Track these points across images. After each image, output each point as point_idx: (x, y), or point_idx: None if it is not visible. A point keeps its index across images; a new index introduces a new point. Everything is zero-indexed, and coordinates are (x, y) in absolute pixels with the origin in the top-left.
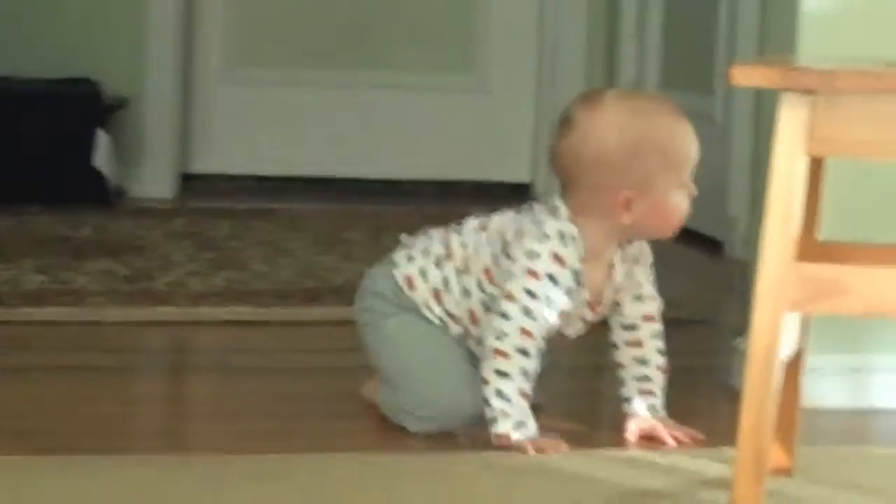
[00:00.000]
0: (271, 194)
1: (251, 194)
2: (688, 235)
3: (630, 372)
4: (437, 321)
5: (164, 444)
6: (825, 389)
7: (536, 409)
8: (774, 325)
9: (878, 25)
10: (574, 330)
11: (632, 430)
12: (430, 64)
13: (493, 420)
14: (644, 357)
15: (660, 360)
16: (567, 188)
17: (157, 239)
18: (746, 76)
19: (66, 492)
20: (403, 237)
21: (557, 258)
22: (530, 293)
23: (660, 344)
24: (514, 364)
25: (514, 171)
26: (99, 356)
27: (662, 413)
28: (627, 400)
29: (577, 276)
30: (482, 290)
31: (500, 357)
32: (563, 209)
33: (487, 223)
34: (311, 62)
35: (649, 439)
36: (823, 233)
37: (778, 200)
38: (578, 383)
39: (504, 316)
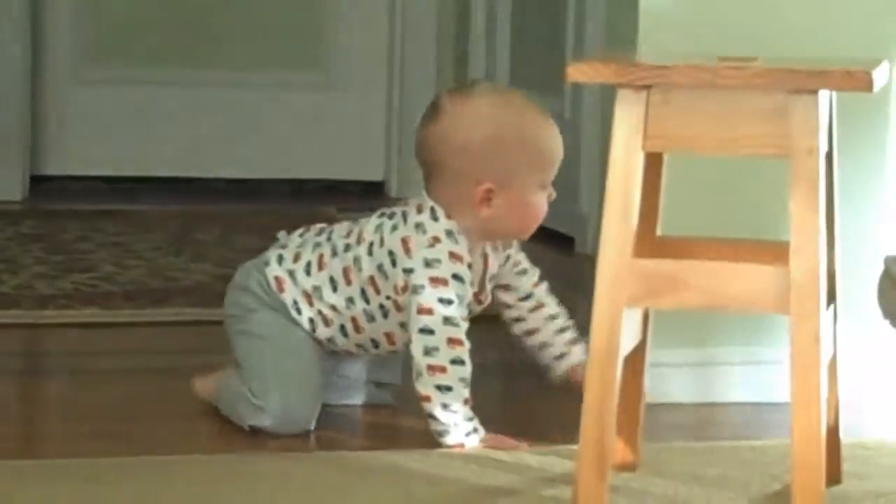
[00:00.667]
0: (122, 196)
1: (101, 196)
2: (540, 232)
3: (547, 331)
4: (305, 322)
5: (9, 448)
6: (669, 384)
7: (385, 386)
8: (614, 321)
9: (717, 20)
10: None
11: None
12: (280, 61)
13: (444, 433)
14: (552, 313)
15: (564, 315)
16: (430, 178)
17: (5, 242)
18: (582, 73)
19: None
20: (281, 234)
21: (455, 256)
22: (444, 301)
23: (556, 301)
24: (452, 376)
25: (366, 170)
26: None
27: None
28: (561, 356)
29: (472, 268)
30: (366, 300)
31: (437, 373)
32: (440, 210)
33: (360, 232)
34: (160, 61)
35: None
36: (663, 228)
37: (615, 197)
38: None
39: (427, 331)
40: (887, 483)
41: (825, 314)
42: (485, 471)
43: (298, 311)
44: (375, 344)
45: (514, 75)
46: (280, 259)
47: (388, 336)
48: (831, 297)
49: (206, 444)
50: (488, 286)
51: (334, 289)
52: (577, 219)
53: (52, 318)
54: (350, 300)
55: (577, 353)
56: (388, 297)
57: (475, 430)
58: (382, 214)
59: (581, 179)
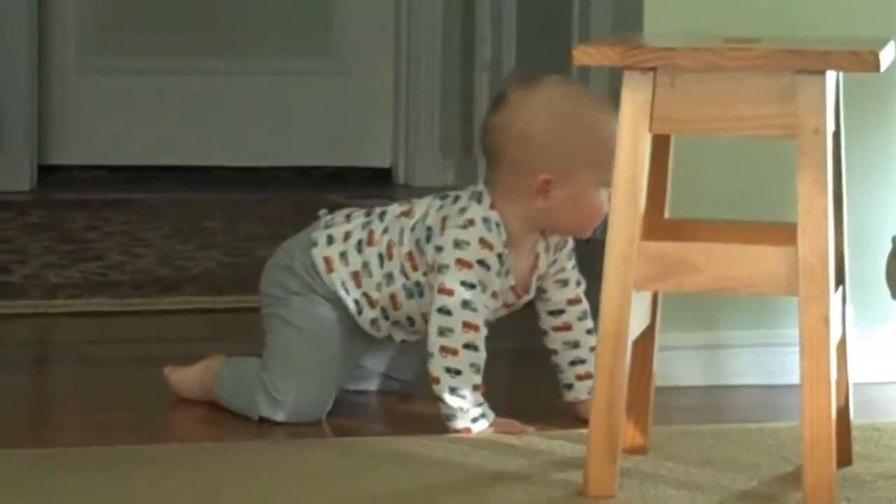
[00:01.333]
0: (129, 185)
1: (109, 185)
2: None
3: (564, 357)
4: (351, 304)
5: (22, 438)
6: (680, 367)
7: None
8: (623, 304)
9: (723, 1)
10: (495, 315)
11: (584, 414)
12: (286, 48)
13: (451, 416)
14: (575, 340)
15: (591, 341)
16: (491, 166)
17: (14, 231)
18: (588, 56)
19: None
20: (322, 213)
21: (485, 243)
22: (466, 284)
23: (589, 324)
24: (463, 360)
25: (373, 157)
26: None
27: None
28: (568, 387)
29: (502, 259)
30: (405, 275)
31: (448, 355)
32: (486, 197)
33: (411, 209)
34: (166, 50)
35: None
36: (671, 210)
37: (623, 179)
38: None
39: (444, 311)
40: None
41: (834, 295)
42: (494, 456)
43: (347, 291)
44: (412, 321)
45: (521, 58)
46: (330, 239)
47: (425, 316)
48: (840, 279)
49: (217, 431)
50: (534, 283)
51: (381, 264)
52: None
53: (62, 307)
54: (389, 276)
55: (582, 389)
56: (424, 274)
57: (483, 416)
58: (437, 197)
59: None
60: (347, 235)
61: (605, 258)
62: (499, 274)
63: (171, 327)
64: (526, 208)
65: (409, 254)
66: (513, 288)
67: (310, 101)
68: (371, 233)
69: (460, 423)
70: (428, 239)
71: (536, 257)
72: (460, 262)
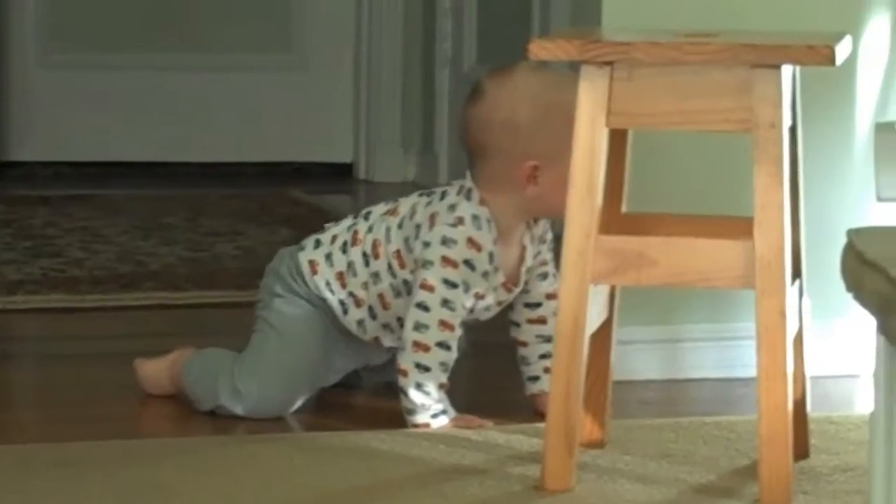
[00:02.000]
0: (90, 181)
1: (69, 181)
2: None
3: (534, 350)
4: (337, 304)
5: None
6: (638, 361)
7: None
8: (580, 298)
9: None
10: (489, 314)
11: (542, 408)
12: (247, 43)
13: (412, 411)
14: (547, 334)
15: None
16: (475, 160)
17: None
18: (545, 50)
19: None
20: (327, 226)
21: (473, 243)
22: (448, 282)
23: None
24: (434, 357)
25: (335, 152)
26: None
27: None
28: (533, 379)
29: (492, 258)
30: (393, 274)
31: (420, 350)
32: (476, 192)
33: (396, 207)
34: (127, 45)
35: None
36: (628, 205)
37: (580, 174)
38: None
39: (423, 307)
40: (854, 457)
41: (790, 289)
42: (453, 450)
43: (332, 291)
44: (401, 324)
45: (482, 53)
46: (317, 243)
47: None
48: (797, 272)
49: (175, 427)
50: (523, 276)
51: (366, 263)
52: None
53: (21, 303)
54: (376, 275)
55: (548, 381)
56: (412, 272)
57: (444, 412)
58: (422, 194)
59: None
60: (334, 238)
61: (563, 252)
62: (486, 274)
63: (130, 323)
64: (516, 197)
65: (397, 252)
66: (503, 284)
67: (271, 97)
68: (355, 233)
69: (420, 419)
70: (417, 236)
71: (524, 249)
72: (446, 260)
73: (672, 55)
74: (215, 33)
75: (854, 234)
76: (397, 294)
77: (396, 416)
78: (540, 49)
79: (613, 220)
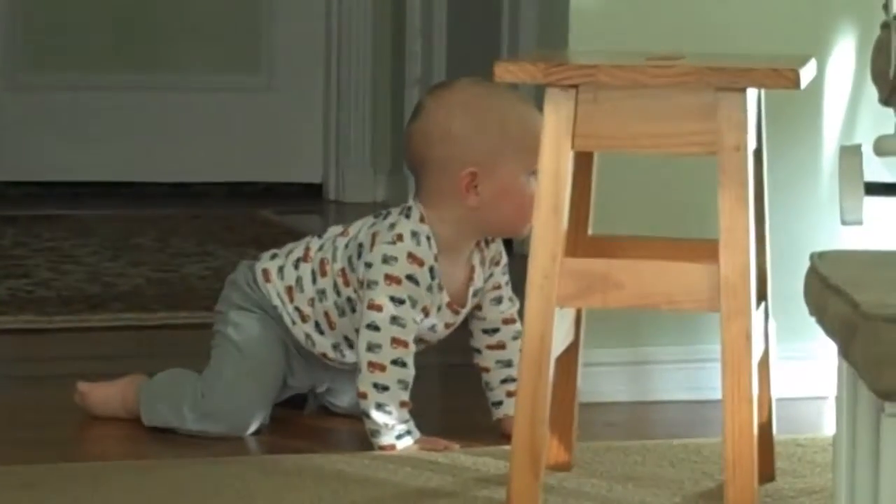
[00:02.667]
0: (58, 201)
1: (39, 202)
2: None
3: (495, 375)
4: (287, 317)
5: None
6: (605, 384)
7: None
8: (546, 321)
9: (648, 19)
10: (436, 335)
11: (509, 431)
12: (215, 64)
13: (376, 433)
14: (507, 359)
15: (517, 356)
16: (418, 176)
17: None
18: (510, 73)
19: None
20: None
21: (413, 258)
22: (395, 300)
23: (521, 345)
24: (391, 376)
25: (304, 172)
26: None
27: None
28: (497, 404)
29: (433, 273)
30: (337, 292)
31: (376, 370)
32: (416, 210)
33: (347, 228)
34: (94, 66)
35: None
36: (594, 227)
37: (546, 196)
38: None
39: (373, 327)
40: (820, 480)
41: (756, 312)
42: (419, 472)
43: (283, 302)
44: (350, 343)
45: (451, 74)
46: (273, 255)
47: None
48: (762, 295)
49: (139, 449)
50: (470, 299)
51: (313, 280)
52: None
53: None
54: (322, 293)
55: (511, 406)
56: (355, 291)
57: (409, 433)
58: (372, 215)
59: None
60: (289, 253)
61: (528, 275)
62: (430, 289)
63: (98, 345)
64: (459, 211)
65: (342, 270)
66: (449, 304)
67: (240, 117)
68: (307, 250)
69: (385, 440)
70: (359, 255)
71: (472, 269)
72: (389, 278)
73: (637, 78)
74: (184, 54)
75: (817, 258)
76: (342, 313)
77: (362, 438)
78: (504, 72)
79: (580, 243)
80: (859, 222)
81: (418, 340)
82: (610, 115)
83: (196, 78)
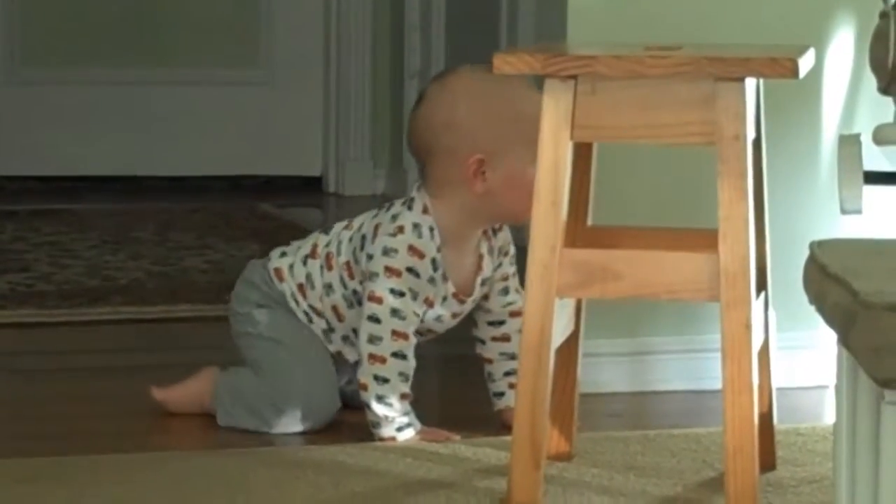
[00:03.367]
0: (57, 195)
1: (38, 196)
2: None
3: (498, 367)
4: (302, 315)
5: None
6: (605, 374)
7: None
8: (546, 311)
9: (646, 10)
10: (443, 325)
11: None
12: (215, 58)
13: (377, 424)
14: (511, 352)
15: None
16: (423, 164)
17: None
18: (509, 64)
19: None
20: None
21: (414, 250)
22: (395, 292)
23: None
24: (391, 368)
25: (303, 165)
26: None
27: None
28: (499, 395)
29: (435, 264)
30: (344, 285)
31: (377, 363)
32: (419, 201)
33: (351, 222)
34: (93, 60)
35: None
36: (593, 218)
37: (545, 187)
38: None
39: (374, 319)
40: (821, 469)
41: (756, 301)
42: (420, 464)
43: (296, 302)
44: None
45: (450, 67)
46: (283, 253)
47: None
48: (762, 285)
49: (140, 442)
50: (478, 288)
51: (321, 275)
52: None
53: None
54: (329, 287)
55: (513, 397)
56: (360, 283)
57: (409, 425)
58: (379, 207)
59: None
60: (298, 249)
61: (528, 266)
62: (432, 281)
63: (98, 338)
64: (465, 198)
65: (347, 263)
66: (455, 294)
67: (240, 111)
68: (314, 246)
69: (385, 432)
70: (363, 247)
71: (480, 258)
72: (389, 270)
73: (635, 68)
74: (184, 48)
75: (817, 247)
76: (350, 305)
77: (363, 430)
78: (503, 63)
79: (579, 234)
80: (858, 211)
81: (426, 331)
82: (609, 106)
83: (196, 72)
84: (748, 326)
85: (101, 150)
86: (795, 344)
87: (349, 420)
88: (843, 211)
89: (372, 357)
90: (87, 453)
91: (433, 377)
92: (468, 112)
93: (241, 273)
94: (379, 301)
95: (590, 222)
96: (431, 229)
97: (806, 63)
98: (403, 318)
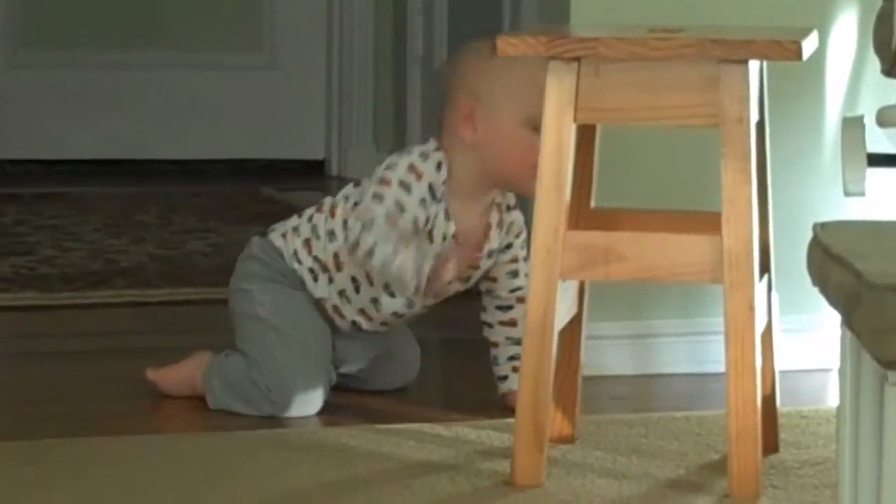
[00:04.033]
0: (60, 179)
1: (41, 179)
2: None
3: (504, 351)
4: (307, 274)
5: None
6: (609, 357)
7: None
8: (549, 293)
9: None
10: (449, 291)
11: (513, 404)
12: (218, 41)
13: (402, 283)
14: (518, 337)
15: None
16: (441, 116)
17: None
18: (512, 46)
19: None
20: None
21: (413, 169)
22: (377, 196)
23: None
24: (389, 246)
25: (306, 149)
26: None
27: None
28: (503, 378)
29: (433, 190)
30: (347, 228)
31: (386, 265)
32: (433, 142)
33: (360, 181)
34: (97, 43)
35: None
36: (597, 200)
37: (548, 169)
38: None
39: (362, 226)
40: (824, 451)
41: (759, 284)
42: (423, 446)
43: (299, 261)
44: (356, 287)
45: (452, 51)
46: (285, 223)
47: (368, 276)
48: (765, 267)
49: (144, 424)
50: (485, 258)
51: (324, 224)
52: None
53: None
54: (331, 233)
55: (516, 380)
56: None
57: (421, 268)
58: None
59: None
60: (301, 213)
61: (531, 247)
62: (423, 203)
63: (101, 321)
64: (466, 154)
65: (355, 204)
66: (455, 236)
67: (242, 95)
68: (320, 205)
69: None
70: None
71: (488, 227)
72: (382, 181)
73: (638, 51)
74: (186, 32)
75: (820, 228)
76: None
77: (366, 412)
78: (506, 45)
79: (582, 216)
80: (862, 193)
81: (434, 294)
82: (612, 88)
83: (198, 55)
84: (751, 309)
85: (103, 133)
86: (798, 326)
87: (353, 402)
88: (847, 193)
89: (369, 254)
90: (90, 435)
91: (437, 360)
92: (470, 61)
93: (242, 252)
94: (366, 210)
95: (593, 204)
96: (439, 163)
97: (809, 45)
98: (389, 219)
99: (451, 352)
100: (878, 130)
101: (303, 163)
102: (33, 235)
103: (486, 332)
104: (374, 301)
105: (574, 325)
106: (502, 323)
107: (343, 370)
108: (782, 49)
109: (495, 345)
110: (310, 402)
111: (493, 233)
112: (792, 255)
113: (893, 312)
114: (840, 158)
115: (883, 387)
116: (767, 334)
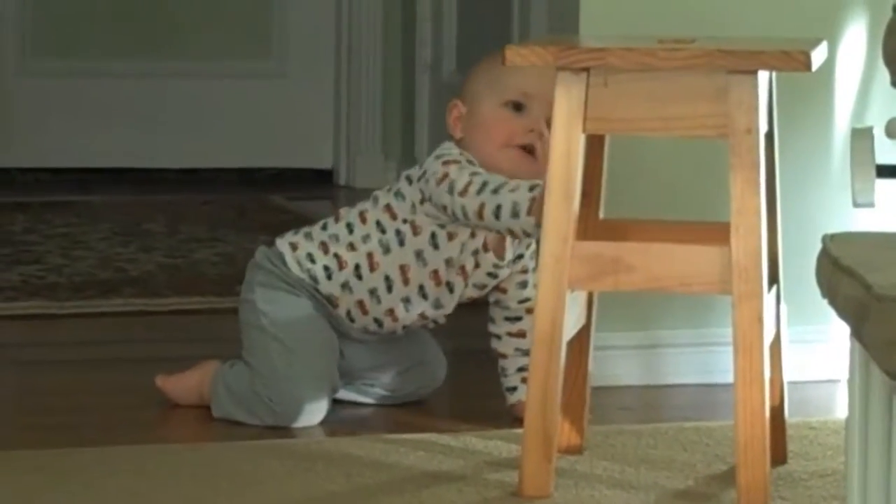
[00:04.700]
0: (69, 187)
1: (50, 188)
2: None
3: (513, 362)
4: (320, 272)
5: None
6: (617, 367)
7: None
8: (558, 304)
9: (657, 4)
10: (464, 298)
11: (521, 415)
12: (227, 50)
13: (516, 206)
14: (526, 348)
15: None
16: None
17: None
18: (522, 56)
19: None
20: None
21: (465, 156)
22: (451, 162)
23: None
24: (492, 185)
25: (315, 158)
26: None
27: None
28: (511, 389)
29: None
30: (382, 230)
31: (486, 204)
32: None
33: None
34: (106, 52)
35: None
36: (606, 211)
37: (557, 179)
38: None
39: (449, 191)
40: (832, 463)
41: (767, 294)
42: (430, 456)
43: (313, 261)
44: (389, 286)
45: (461, 60)
46: (295, 231)
47: (403, 270)
48: (774, 278)
49: (152, 434)
50: (504, 267)
51: (350, 231)
52: None
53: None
54: (366, 237)
55: (524, 391)
56: (404, 221)
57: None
58: None
59: None
60: (313, 224)
61: (540, 258)
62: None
63: (109, 330)
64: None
65: (387, 206)
66: (484, 247)
67: (251, 103)
68: (338, 214)
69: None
70: (409, 182)
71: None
72: (446, 163)
73: (647, 61)
74: (195, 40)
75: (829, 240)
76: (386, 250)
77: (374, 422)
78: (515, 55)
79: (591, 226)
80: (871, 204)
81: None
82: (621, 98)
83: (207, 64)
84: (760, 320)
85: (112, 142)
86: (807, 337)
87: (361, 412)
88: (856, 204)
89: (462, 193)
90: (97, 445)
91: (448, 371)
92: (470, 73)
93: (250, 261)
94: (444, 176)
95: (602, 215)
96: (471, 161)
97: (819, 56)
98: (466, 170)
99: (459, 362)
100: (887, 141)
101: (312, 171)
102: (42, 244)
103: (495, 344)
104: (406, 301)
105: (582, 335)
106: (511, 334)
107: (368, 381)
108: (791, 60)
109: (504, 356)
110: (313, 413)
111: (508, 242)
112: (801, 266)
113: None
114: (849, 169)
115: (891, 398)
116: (776, 345)
